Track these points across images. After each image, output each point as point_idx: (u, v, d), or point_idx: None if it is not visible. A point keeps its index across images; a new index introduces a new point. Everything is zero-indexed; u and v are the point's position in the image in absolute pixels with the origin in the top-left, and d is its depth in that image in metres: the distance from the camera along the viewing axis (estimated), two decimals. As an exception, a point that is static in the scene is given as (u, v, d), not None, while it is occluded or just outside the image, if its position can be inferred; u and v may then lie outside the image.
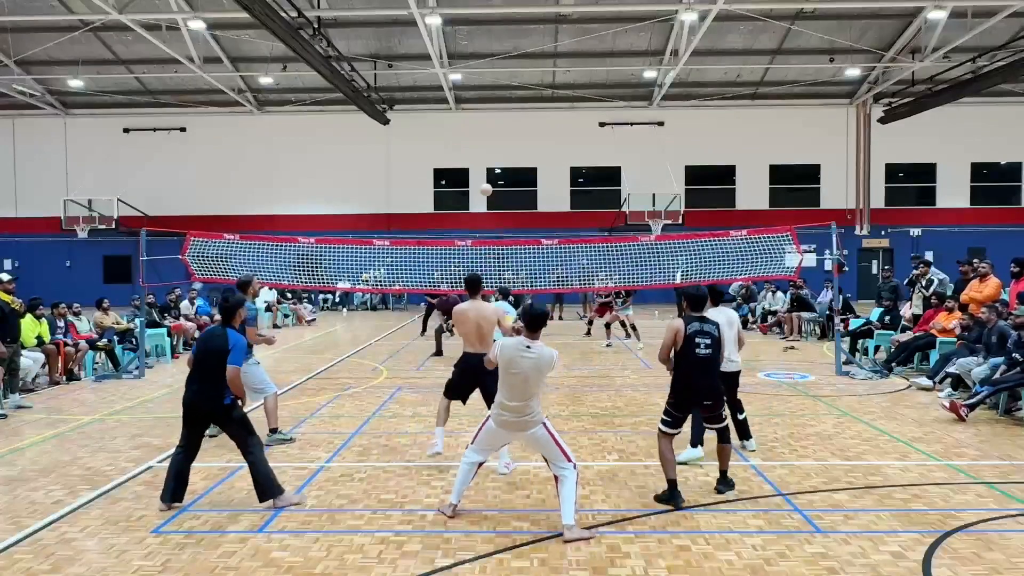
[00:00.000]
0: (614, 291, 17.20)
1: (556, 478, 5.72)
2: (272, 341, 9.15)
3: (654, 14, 23.04)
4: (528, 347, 5.74)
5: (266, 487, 6.26)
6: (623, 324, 17.45)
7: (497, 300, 12.00)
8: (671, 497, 6.27)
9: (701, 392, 6.39)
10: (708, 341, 6.34)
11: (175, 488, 6.29)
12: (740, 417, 7.89)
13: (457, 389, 7.66)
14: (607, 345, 16.86)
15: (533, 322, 5.85)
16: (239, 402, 6.41)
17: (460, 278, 13.03)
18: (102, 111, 31.14)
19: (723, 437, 6.62)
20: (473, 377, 7.38)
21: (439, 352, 15.62)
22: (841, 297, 14.99)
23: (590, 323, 19.56)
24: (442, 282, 17.31)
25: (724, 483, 6.60)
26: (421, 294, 17.38)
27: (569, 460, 5.69)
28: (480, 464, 6.04)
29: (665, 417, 6.49)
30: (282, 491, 6.33)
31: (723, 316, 7.67)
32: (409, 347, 17.15)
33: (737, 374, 7.77)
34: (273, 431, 8.56)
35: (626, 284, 16.38)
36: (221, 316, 6.62)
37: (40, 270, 29.54)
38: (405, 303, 29.67)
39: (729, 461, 6.67)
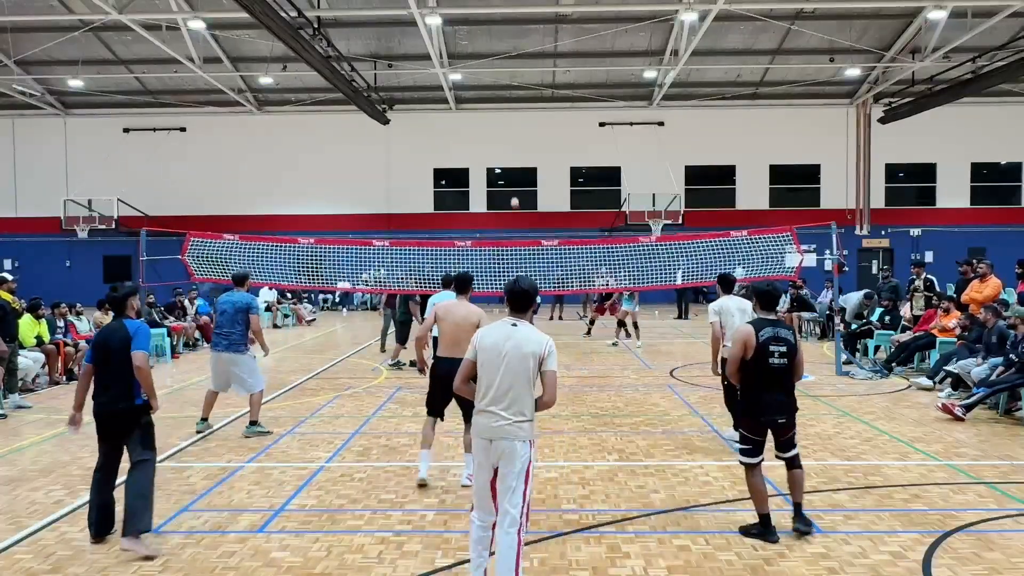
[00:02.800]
0: (615, 292, 17.21)
1: (493, 538, 4.56)
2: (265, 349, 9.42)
3: (654, 14, 23.03)
4: (514, 324, 4.65)
5: (130, 518, 5.37)
6: (623, 323, 17.47)
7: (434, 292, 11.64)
8: (763, 533, 5.52)
9: (773, 407, 5.54)
10: (783, 348, 5.52)
11: (100, 519, 5.59)
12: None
13: (433, 402, 6.88)
14: (613, 344, 16.85)
15: (514, 299, 4.76)
16: (152, 406, 5.67)
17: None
18: (102, 111, 31.12)
19: (793, 462, 5.69)
20: (445, 387, 6.12)
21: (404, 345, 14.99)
22: (841, 297, 15.00)
23: (591, 323, 19.56)
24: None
25: (802, 520, 5.60)
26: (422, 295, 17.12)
27: (522, 521, 4.47)
28: (494, 524, 4.58)
29: (742, 445, 5.71)
30: (148, 530, 5.46)
31: (735, 304, 7.95)
32: (409, 347, 17.13)
33: None
34: (253, 423, 8.90)
35: (626, 286, 16.43)
36: (112, 309, 5.93)
37: (40, 270, 29.56)
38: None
39: (803, 491, 5.72)
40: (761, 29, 24.70)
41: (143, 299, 14.79)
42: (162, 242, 16.09)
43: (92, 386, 5.71)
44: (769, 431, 5.64)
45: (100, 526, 5.59)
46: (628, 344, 17.09)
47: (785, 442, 5.67)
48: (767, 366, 5.52)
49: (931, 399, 10.66)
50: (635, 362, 14.80)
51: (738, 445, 5.84)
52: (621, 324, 17.34)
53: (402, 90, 29.98)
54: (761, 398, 5.56)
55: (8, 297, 10.94)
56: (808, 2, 21.83)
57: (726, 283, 8.42)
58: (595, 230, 28.58)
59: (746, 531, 5.64)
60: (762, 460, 5.66)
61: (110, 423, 5.61)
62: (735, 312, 7.96)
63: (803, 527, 5.55)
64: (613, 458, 7.80)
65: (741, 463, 5.75)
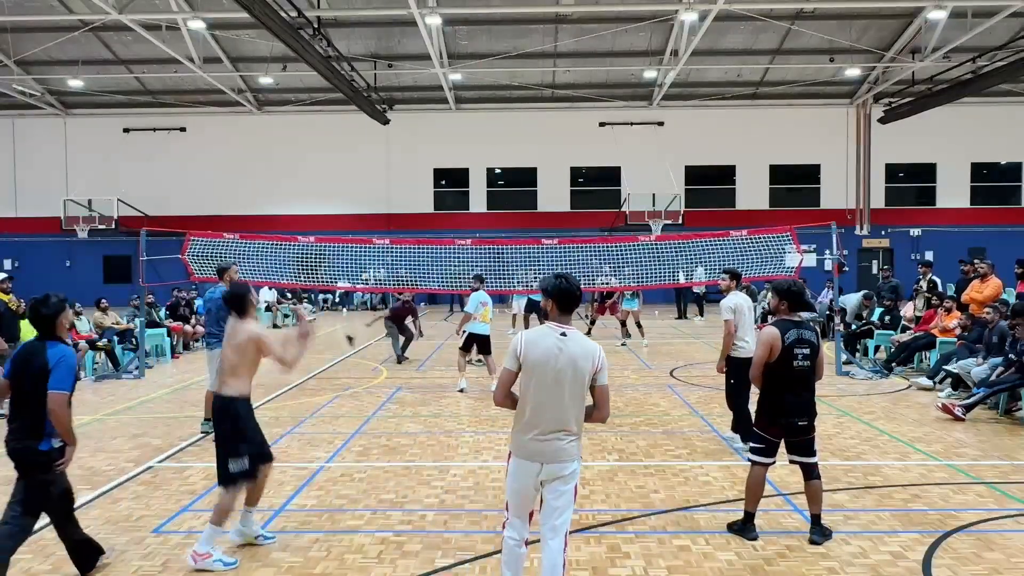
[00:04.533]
0: (617, 291, 17.22)
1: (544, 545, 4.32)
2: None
3: (654, 14, 23.03)
4: (563, 334, 4.15)
5: (89, 555, 5.07)
6: (623, 323, 17.48)
7: (475, 290, 11.80)
8: (743, 529, 5.60)
9: (795, 409, 5.42)
10: (807, 351, 5.41)
11: (76, 560, 5.06)
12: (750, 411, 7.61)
13: None
14: (622, 344, 16.86)
15: (565, 300, 4.21)
16: (65, 452, 4.81)
17: (458, 277, 12.66)
18: (102, 111, 31.13)
19: (812, 472, 5.53)
20: (216, 423, 5.57)
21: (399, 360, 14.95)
22: (840, 298, 15.00)
23: (592, 323, 19.55)
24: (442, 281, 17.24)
25: (819, 531, 5.48)
26: (424, 293, 17.04)
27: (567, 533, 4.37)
28: (527, 542, 4.39)
29: (755, 444, 5.61)
30: (102, 551, 5.14)
31: (745, 301, 8.12)
32: (409, 347, 17.12)
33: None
34: (208, 420, 8.51)
35: (628, 285, 16.45)
36: (37, 327, 4.89)
37: (40, 270, 29.54)
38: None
39: (822, 504, 5.58)
40: (761, 29, 24.70)
41: (143, 299, 14.78)
42: (162, 242, 16.08)
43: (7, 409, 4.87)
44: (784, 433, 5.54)
45: (80, 565, 5.04)
46: (630, 343, 17.09)
47: (802, 445, 5.51)
48: (791, 369, 5.40)
49: (931, 399, 10.66)
50: (635, 362, 14.79)
51: (747, 444, 5.83)
52: (624, 324, 17.35)
53: (402, 90, 29.98)
54: (782, 399, 5.43)
55: (5, 297, 10.89)
56: (808, 2, 21.84)
57: (735, 275, 8.37)
58: (595, 230, 28.57)
59: (730, 526, 5.71)
60: (773, 463, 5.61)
61: (18, 462, 4.78)
62: (746, 311, 8.01)
63: (819, 538, 5.44)
64: (613, 458, 7.81)
65: (750, 460, 5.66)
